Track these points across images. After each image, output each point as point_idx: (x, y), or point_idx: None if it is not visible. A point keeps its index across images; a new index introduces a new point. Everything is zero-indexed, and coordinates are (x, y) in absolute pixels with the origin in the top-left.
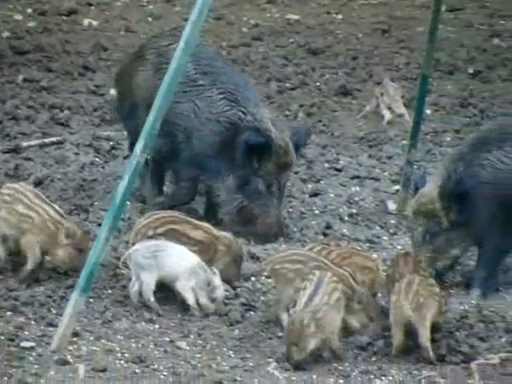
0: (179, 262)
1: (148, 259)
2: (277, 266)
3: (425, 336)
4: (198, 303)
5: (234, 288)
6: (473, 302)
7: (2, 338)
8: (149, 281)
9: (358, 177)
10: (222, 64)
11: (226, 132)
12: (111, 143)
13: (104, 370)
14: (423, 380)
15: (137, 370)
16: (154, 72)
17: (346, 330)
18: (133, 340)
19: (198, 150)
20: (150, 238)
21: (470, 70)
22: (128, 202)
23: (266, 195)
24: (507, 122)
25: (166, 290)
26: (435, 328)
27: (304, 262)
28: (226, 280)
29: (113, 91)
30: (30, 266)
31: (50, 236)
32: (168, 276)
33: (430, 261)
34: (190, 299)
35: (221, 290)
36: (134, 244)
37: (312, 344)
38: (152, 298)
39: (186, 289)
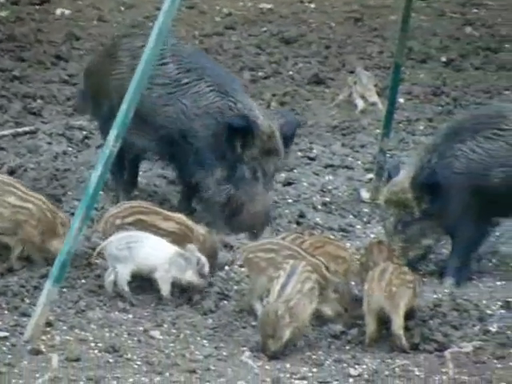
0: (154, 252)
1: (122, 251)
2: (250, 255)
3: (398, 324)
4: (189, 283)
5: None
6: (446, 290)
7: None
8: (123, 271)
9: (331, 165)
10: (204, 59)
11: (217, 123)
12: (84, 133)
13: (77, 360)
14: (397, 368)
15: (110, 360)
16: (130, 74)
17: (320, 319)
18: (106, 329)
19: (197, 146)
20: (120, 228)
21: (443, 59)
22: (101, 192)
23: (251, 182)
24: (480, 112)
25: (140, 280)
26: (409, 316)
27: (277, 251)
28: None
29: None
30: (15, 254)
31: (47, 226)
32: (144, 267)
33: (402, 250)
34: (165, 290)
35: (206, 264)
36: (103, 233)
37: (287, 334)
38: (126, 288)
39: (165, 279)
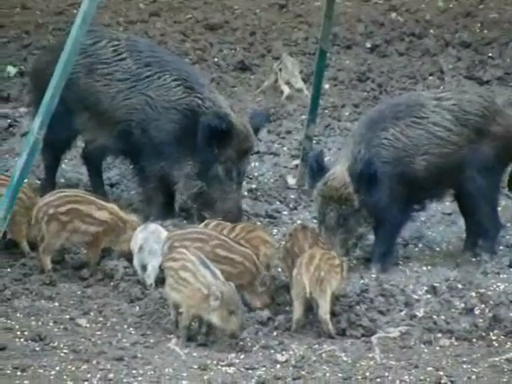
0: None
1: (158, 244)
2: (176, 244)
3: (325, 309)
4: None
5: None
6: (373, 276)
7: None
8: (155, 265)
9: (257, 152)
10: (164, 53)
11: (184, 119)
12: (8, 121)
13: (3, 349)
14: (324, 354)
15: (37, 348)
16: (86, 73)
17: (247, 306)
18: (32, 318)
19: (157, 140)
20: (53, 217)
21: (368, 45)
22: (26, 180)
23: (225, 181)
24: (398, 101)
25: (66, 267)
26: (336, 300)
27: (205, 241)
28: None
29: (10, 68)
30: None
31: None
32: None
33: (344, 242)
34: None
35: None
36: (35, 221)
37: None
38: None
39: None
